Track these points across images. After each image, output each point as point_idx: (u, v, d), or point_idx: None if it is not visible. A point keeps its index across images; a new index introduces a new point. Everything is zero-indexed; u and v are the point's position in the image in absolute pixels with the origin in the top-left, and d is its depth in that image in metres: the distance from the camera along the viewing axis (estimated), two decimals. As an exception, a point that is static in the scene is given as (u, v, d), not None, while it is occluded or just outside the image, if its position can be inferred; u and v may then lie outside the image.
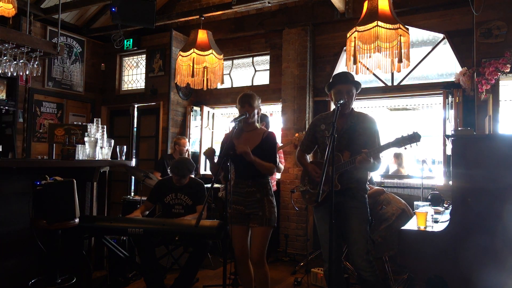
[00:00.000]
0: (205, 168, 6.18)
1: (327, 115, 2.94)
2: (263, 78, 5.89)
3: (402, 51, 2.98)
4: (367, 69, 3.21)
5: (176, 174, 3.73)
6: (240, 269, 2.98)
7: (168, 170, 5.07)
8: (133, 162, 6.27)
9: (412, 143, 2.53)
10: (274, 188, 4.15)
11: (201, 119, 6.15)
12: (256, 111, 2.99)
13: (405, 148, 2.58)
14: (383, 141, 2.77)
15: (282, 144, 4.86)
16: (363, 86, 5.24)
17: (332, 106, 5.19)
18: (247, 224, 2.92)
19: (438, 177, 4.35)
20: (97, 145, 3.50)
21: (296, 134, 4.82)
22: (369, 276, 2.65)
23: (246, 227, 2.93)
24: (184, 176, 3.75)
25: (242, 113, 2.94)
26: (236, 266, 3.03)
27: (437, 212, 2.99)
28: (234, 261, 3.54)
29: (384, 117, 7.21)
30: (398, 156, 5.54)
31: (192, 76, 4.08)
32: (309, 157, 3.07)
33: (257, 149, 2.91)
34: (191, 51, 4.08)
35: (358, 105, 6.02)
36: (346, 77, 2.84)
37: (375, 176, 4.45)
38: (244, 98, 2.98)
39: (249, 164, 2.85)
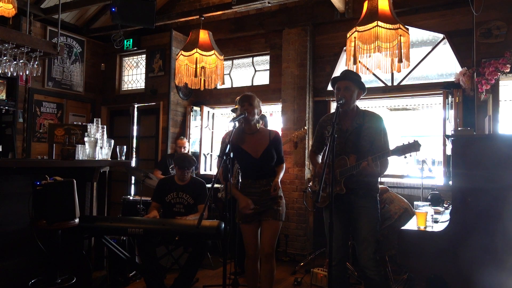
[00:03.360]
0: (205, 168, 6.18)
1: (334, 116, 2.93)
2: (263, 78, 5.89)
3: (402, 51, 2.98)
4: (367, 69, 3.21)
5: (181, 167, 3.78)
6: (250, 266, 3.04)
7: (170, 169, 5.09)
8: (133, 162, 6.28)
9: (412, 152, 2.51)
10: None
11: (201, 119, 6.15)
12: (256, 110, 3.00)
13: (405, 157, 2.56)
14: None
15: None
16: (363, 86, 5.21)
17: (332, 106, 5.21)
18: (258, 221, 3.02)
19: (438, 177, 4.35)
20: (97, 145, 3.50)
21: (295, 133, 4.82)
22: (374, 275, 2.65)
23: (257, 224, 3.03)
24: (190, 167, 3.82)
25: (242, 112, 2.95)
26: (245, 264, 3.07)
27: (437, 212, 2.99)
28: (234, 261, 3.56)
29: (384, 117, 7.21)
30: None
31: (196, 76, 4.08)
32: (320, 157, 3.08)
33: (268, 150, 2.99)
34: (194, 51, 4.06)
35: (358, 105, 6.01)
36: (345, 74, 2.83)
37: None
38: (244, 97, 3.02)
39: (262, 167, 2.98)
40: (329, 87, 5.07)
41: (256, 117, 3.04)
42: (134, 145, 6.43)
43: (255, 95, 3.05)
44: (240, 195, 2.97)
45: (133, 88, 6.57)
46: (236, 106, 4.21)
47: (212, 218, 4.39)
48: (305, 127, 4.98)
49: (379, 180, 4.45)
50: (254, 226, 3.02)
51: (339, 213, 2.69)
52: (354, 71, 3.06)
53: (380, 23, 2.93)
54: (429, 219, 2.61)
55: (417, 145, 2.50)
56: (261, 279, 2.99)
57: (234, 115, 3.04)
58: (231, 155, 2.64)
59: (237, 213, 3.05)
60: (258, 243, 3.04)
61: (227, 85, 6.07)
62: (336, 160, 2.63)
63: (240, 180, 3.13)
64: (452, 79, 4.29)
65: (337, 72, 5.19)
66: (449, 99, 4.30)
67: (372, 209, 2.74)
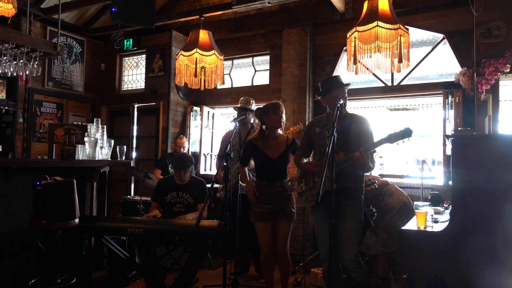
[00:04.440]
0: (205, 168, 6.18)
1: (321, 119, 3.01)
2: (263, 78, 5.88)
3: (402, 51, 2.98)
4: (367, 69, 3.22)
5: (178, 168, 3.78)
6: (266, 262, 3.21)
7: (170, 167, 5.08)
8: (133, 162, 6.28)
9: (404, 138, 2.58)
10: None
11: (201, 119, 6.15)
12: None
13: (398, 144, 2.62)
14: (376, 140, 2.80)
15: None
16: (363, 86, 5.24)
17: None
18: (273, 220, 3.18)
19: (438, 177, 4.35)
20: (97, 145, 3.50)
21: (291, 128, 4.79)
22: (358, 277, 2.67)
23: (272, 222, 3.18)
24: (186, 168, 3.81)
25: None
26: (261, 260, 3.28)
27: (437, 212, 2.99)
28: (235, 261, 3.58)
29: (384, 117, 7.20)
30: None
31: (196, 76, 4.08)
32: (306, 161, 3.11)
33: (284, 154, 3.23)
34: (194, 50, 4.06)
35: (358, 105, 6.01)
36: (339, 82, 2.89)
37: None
38: (278, 105, 3.23)
39: (277, 168, 3.19)
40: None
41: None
42: (134, 145, 6.43)
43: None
44: (248, 183, 3.21)
45: (133, 88, 6.56)
46: (239, 105, 4.22)
47: (212, 218, 4.39)
48: (300, 123, 4.93)
49: (380, 179, 4.45)
50: (268, 225, 3.16)
51: (328, 214, 2.70)
52: (351, 71, 3.14)
53: (380, 23, 2.93)
54: (429, 219, 2.61)
55: (409, 132, 2.56)
56: (280, 273, 3.30)
57: (234, 115, 3.15)
58: (231, 155, 2.69)
59: (252, 212, 3.21)
60: (272, 242, 3.17)
61: (227, 85, 6.06)
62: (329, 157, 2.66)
63: (254, 180, 3.33)
64: (452, 79, 4.29)
65: (337, 72, 5.18)
66: (449, 99, 4.31)
67: (357, 209, 2.78)
